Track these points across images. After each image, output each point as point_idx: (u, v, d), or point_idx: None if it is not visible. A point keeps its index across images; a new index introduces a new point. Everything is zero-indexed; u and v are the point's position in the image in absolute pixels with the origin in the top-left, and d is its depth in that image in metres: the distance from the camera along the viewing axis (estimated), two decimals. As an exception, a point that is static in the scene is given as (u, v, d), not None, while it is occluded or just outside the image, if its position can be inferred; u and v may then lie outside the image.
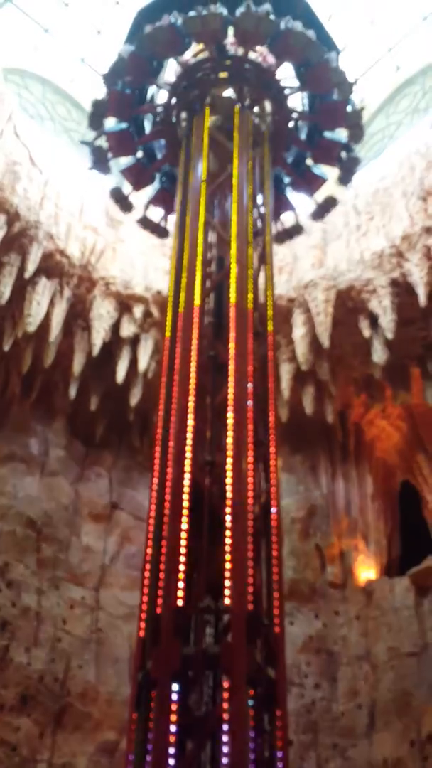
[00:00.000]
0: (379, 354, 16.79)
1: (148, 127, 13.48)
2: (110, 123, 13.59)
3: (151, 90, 13.45)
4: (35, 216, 16.13)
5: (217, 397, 9.55)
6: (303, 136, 13.43)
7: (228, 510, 8.16)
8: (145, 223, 14.46)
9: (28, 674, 15.88)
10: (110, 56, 14.03)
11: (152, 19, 12.67)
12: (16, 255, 16.22)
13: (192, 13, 12.18)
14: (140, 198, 14.46)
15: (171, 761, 6.82)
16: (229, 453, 8.59)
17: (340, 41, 13.79)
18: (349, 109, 13.13)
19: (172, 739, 6.93)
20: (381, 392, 18.49)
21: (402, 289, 16.17)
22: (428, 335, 17.04)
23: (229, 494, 8.28)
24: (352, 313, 16.98)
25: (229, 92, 12.70)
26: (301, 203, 14.62)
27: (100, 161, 13.77)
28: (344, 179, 14.04)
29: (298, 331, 17.16)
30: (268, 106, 12.90)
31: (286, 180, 13.89)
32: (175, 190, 12.96)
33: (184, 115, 12.86)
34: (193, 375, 9.32)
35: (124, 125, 13.35)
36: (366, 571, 18.39)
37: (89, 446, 19.53)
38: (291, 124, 13.18)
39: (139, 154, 13.62)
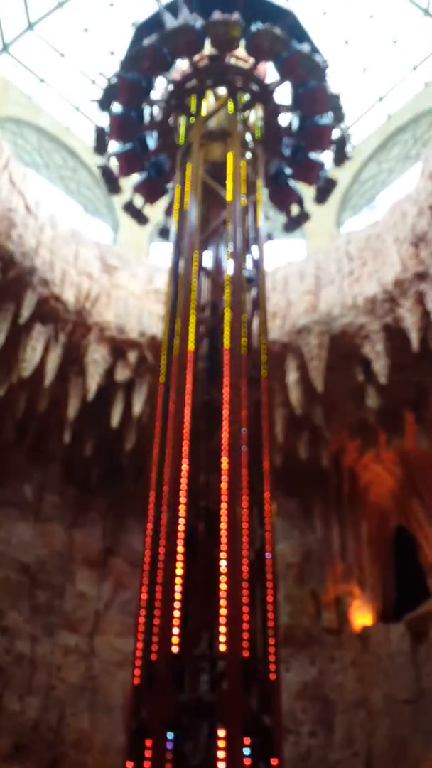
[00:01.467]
0: (372, 399, 16.88)
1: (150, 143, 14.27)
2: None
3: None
4: (30, 262, 16.28)
5: (211, 442, 9.58)
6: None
7: (223, 555, 8.15)
8: (129, 208, 15.01)
9: (22, 722, 15.67)
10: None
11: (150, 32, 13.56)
12: (10, 301, 16.32)
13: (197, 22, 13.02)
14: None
15: None
16: (224, 498, 8.59)
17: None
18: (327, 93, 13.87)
19: (166, 789, 6.85)
20: (375, 437, 18.52)
21: (395, 335, 16.29)
22: (421, 380, 17.13)
23: (223, 539, 8.27)
24: (346, 358, 17.08)
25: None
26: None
27: (101, 142, 14.49)
28: (338, 159, 14.61)
29: (292, 376, 17.24)
30: (259, 111, 13.68)
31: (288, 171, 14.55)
32: (161, 181, 14.08)
33: (181, 120, 13.58)
34: (187, 420, 9.35)
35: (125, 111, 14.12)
36: (361, 616, 18.24)
37: (83, 492, 19.45)
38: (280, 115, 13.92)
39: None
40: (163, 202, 14.93)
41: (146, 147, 14.16)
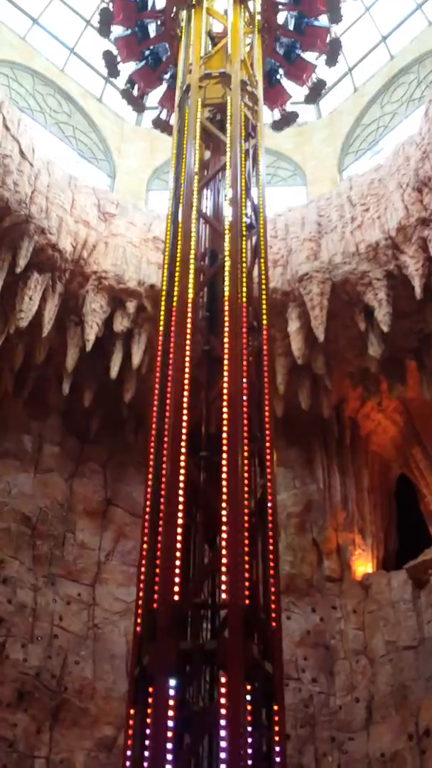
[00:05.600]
0: (374, 347, 16.73)
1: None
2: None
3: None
4: (26, 210, 16.00)
5: (211, 391, 9.47)
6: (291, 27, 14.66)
7: (223, 505, 8.10)
8: (125, 94, 15.70)
9: (25, 670, 15.84)
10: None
11: None
12: (6, 249, 16.09)
13: None
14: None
15: (169, 756, 6.77)
16: (224, 448, 8.51)
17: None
18: None
19: (169, 734, 6.88)
20: (377, 386, 18.43)
21: (398, 282, 16.10)
22: (424, 328, 16.98)
23: (224, 489, 8.21)
24: (348, 307, 16.91)
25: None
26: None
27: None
28: (330, 61, 15.28)
29: (293, 325, 17.07)
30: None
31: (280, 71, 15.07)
32: (159, 71, 14.81)
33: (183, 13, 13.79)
34: (187, 370, 9.23)
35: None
36: (363, 565, 18.35)
37: (83, 442, 19.44)
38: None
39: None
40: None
41: (146, 34, 14.57)
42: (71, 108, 21.55)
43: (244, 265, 10.44)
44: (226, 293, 9.89)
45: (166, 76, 14.75)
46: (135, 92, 15.74)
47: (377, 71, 21.28)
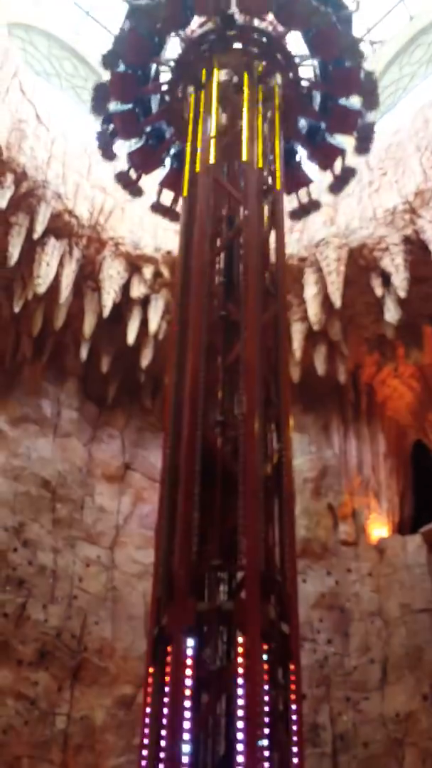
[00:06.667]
0: (391, 313, 16.66)
1: (155, 108, 12.74)
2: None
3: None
4: (42, 175, 15.98)
5: (228, 357, 9.51)
6: (316, 106, 12.55)
7: (240, 469, 8.19)
8: (157, 207, 13.78)
9: (46, 630, 16.19)
10: (117, 9, 13.58)
11: None
12: (24, 215, 16.10)
13: None
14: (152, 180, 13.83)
15: (187, 714, 6.95)
16: (241, 413, 8.58)
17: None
18: (362, 75, 12.18)
19: (187, 692, 7.07)
20: (393, 351, 18.38)
21: (415, 247, 15.99)
22: (441, 293, 16.90)
23: (241, 454, 8.29)
24: (364, 272, 16.82)
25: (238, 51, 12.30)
26: (316, 177, 13.93)
27: (107, 146, 13.24)
28: (361, 148, 13.03)
29: (310, 291, 17.04)
30: (279, 78, 12.13)
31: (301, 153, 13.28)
32: (160, 150, 12.76)
33: (191, 89, 12.14)
34: (204, 335, 9.27)
35: (129, 106, 12.62)
36: (378, 529, 18.48)
37: (101, 407, 19.61)
38: (304, 91, 12.37)
39: (147, 136, 12.94)
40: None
41: (147, 79, 12.52)
42: (87, 72, 21.33)
43: (261, 229, 10.43)
44: (243, 258, 9.91)
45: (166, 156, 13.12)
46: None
47: (396, 33, 20.86)
